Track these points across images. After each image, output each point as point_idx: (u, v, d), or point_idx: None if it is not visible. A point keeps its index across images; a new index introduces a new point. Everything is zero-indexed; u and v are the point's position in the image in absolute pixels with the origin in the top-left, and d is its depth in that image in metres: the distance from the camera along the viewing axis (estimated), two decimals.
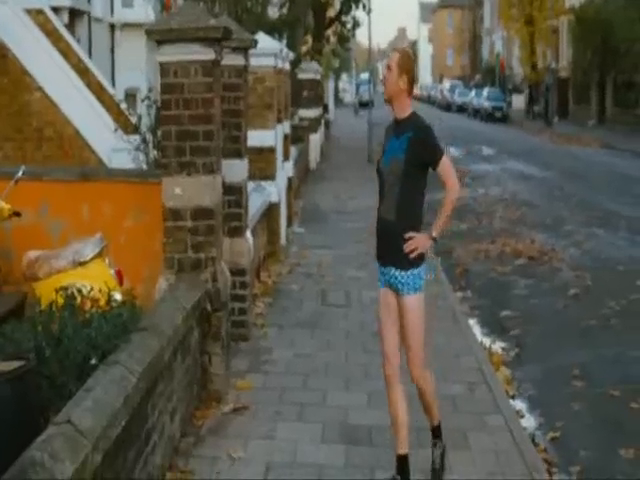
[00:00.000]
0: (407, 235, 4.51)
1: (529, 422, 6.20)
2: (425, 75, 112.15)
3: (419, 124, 4.61)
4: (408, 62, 4.61)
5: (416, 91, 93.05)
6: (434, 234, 4.59)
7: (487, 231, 13.96)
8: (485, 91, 51.02)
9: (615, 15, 36.39)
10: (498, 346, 7.98)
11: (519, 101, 53.51)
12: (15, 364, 3.93)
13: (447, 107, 62.57)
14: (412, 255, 4.51)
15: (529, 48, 49.31)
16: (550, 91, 42.57)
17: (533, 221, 14.81)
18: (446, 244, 12.80)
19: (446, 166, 4.58)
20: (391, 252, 4.59)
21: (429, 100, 75.67)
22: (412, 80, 4.64)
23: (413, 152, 4.51)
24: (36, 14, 13.36)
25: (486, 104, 48.52)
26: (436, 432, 4.88)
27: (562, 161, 24.82)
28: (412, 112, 4.64)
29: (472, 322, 8.66)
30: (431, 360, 6.86)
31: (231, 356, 6.44)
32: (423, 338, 4.68)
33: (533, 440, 5.70)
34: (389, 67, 4.61)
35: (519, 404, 6.52)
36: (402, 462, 4.61)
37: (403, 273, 4.55)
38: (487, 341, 8.04)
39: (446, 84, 69.47)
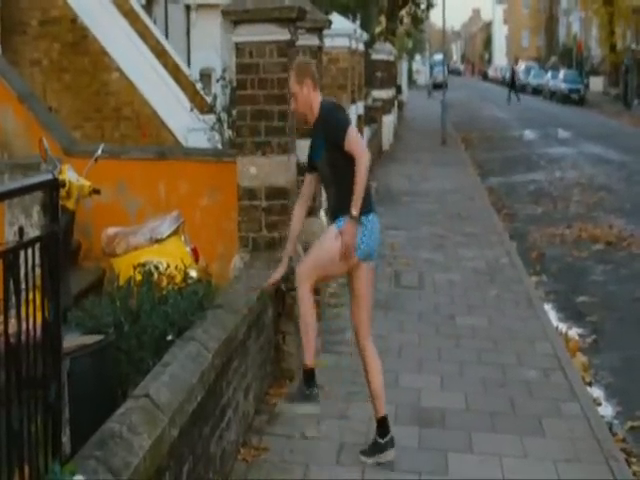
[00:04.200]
0: (337, 231, 4.47)
1: (606, 410, 6.06)
2: (500, 57, 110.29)
3: (324, 111, 4.57)
4: (302, 70, 4.63)
5: (491, 72, 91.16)
6: (354, 213, 4.41)
7: (563, 215, 13.67)
8: (561, 73, 49.90)
9: None
10: (574, 332, 7.82)
11: (597, 83, 52.19)
12: (95, 338, 4.01)
13: (522, 89, 61.42)
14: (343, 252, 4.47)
15: (608, 29, 48.07)
16: (630, 73, 41.37)
17: (611, 206, 14.44)
18: (521, 228, 12.64)
19: (351, 137, 4.40)
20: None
21: (504, 82, 74.47)
22: (314, 79, 4.62)
23: (328, 140, 4.49)
24: None
25: (562, 86, 47.44)
26: None
27: None
28: (319, 106, 4.59)
29: (548, 307, 8.50)
30: (506, 345, 6.82)
31: None
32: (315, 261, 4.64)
33: (611, 429, 5.57)
34: (294, 94, 4.63)
35: (596, 391, 6.38)
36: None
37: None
38: (563, 327, 7.89)
39: (521, 66, 68.12)
